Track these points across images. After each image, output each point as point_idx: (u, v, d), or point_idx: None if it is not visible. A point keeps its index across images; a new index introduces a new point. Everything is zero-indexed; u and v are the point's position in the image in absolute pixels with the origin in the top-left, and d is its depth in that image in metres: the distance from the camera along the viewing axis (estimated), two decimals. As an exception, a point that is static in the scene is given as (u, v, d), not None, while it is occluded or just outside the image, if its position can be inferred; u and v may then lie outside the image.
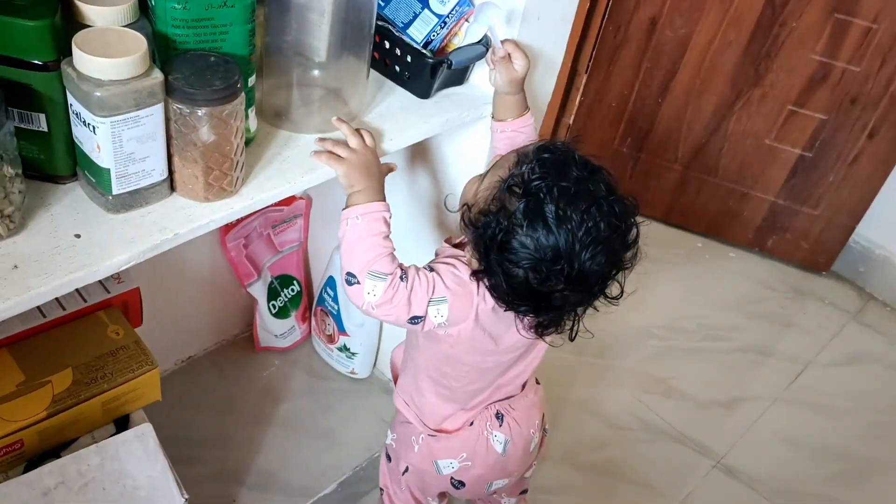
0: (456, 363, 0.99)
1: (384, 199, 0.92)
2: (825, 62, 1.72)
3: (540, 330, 0.93)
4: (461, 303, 0.91)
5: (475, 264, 0.91)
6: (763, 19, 1.70)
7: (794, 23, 1.69)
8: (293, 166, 0.91)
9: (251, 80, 0.88)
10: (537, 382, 1.13)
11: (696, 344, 1.78)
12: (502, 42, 0.99)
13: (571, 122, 2.03)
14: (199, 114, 0.78)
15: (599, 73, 1.91)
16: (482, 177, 0.94)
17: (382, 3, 1.05)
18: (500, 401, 1.06)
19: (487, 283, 0.90)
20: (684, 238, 2.03)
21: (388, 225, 0.91)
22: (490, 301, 0.91)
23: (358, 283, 0.88)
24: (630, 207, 0.87)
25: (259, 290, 1.42)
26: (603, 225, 0.83)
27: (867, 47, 1.67)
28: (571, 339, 0.94)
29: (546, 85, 1.15)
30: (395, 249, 0.90)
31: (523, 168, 0.86)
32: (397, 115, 1.02)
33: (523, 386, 1.08)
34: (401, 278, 0.88)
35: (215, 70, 0.79)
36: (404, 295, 0.88)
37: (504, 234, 0.85)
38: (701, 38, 1.77)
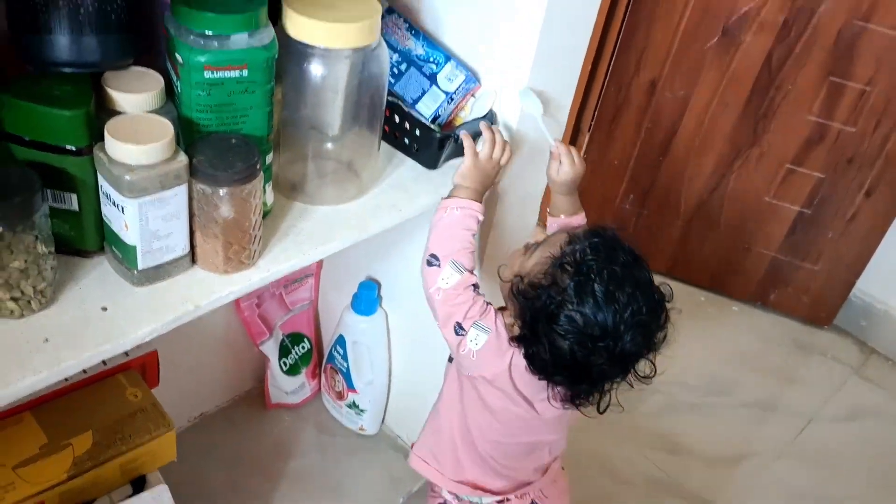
0: (482, 411, 1.02)
1: (481, 202, 1.01)
2: (821, 123, 1.77)
3: (574, 400, 0.97)
4: (495, 348, 0.95)
5: (516, 331, 0.95)
6: (760, 82, 1.76)
7: (789, 85, 1.75)
8: (308, 238, 0.96)
9: (269, 158, 0.93)
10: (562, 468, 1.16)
11: (701, 399, 1.80)
12: (555, 141, 1.06)
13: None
14: (221, 193, 0.83)
15: (602, 133, 1.97)
16: (529, 251, 0.98)
17: (393, 80, 1.10)
18: (528, 484, 1.09)
19: (525, 351, 0.94)
20: (688, 292, 2.06)
21: (479, 225, 1.00)
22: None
23: (438, 266, 0.97)
24: (665, 295, 0.93)
25: (271, 348, 1.45)
26: (645, 309, 0.89)
27: (861, 109, 1.72)
28: (601, 412, 0.98)
29: (553, 136, 1.20)
30: (475, 251, 0.99)
31: (575, 247, 0.92)
32: (408, 186, 1.07)
33: (544, 471, 1.11)
34: (473, 286, 0.96)
35: (236, 152, 0.84)
36: (468, 300, 0.95)
37: (555, 307, 0.90)
38: (699, 99, 1.83)
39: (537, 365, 0.94)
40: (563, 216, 1.10)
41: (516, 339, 0.95)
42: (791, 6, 1.67)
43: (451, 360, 1.09)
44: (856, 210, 1.84)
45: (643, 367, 0.94)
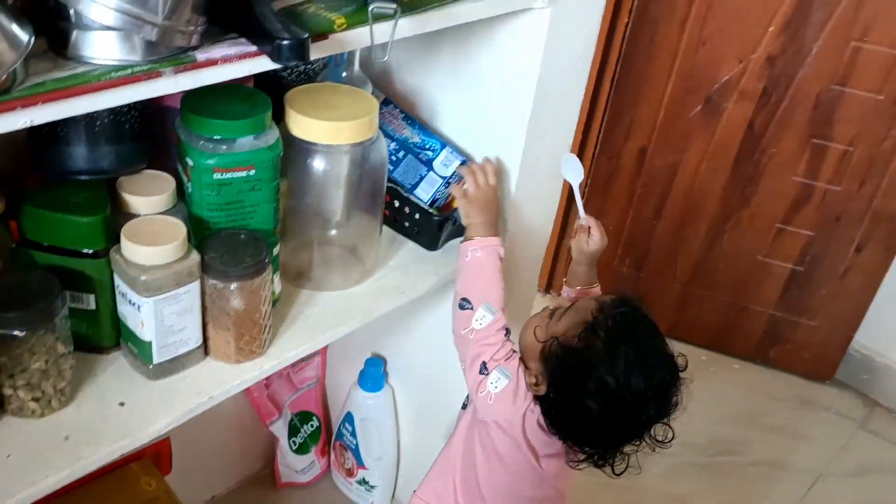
0: (491, 458, 1.04)
1: (498, 234, 1.05)
2: (807, 183, 1.82)
3: (596, 462, 0.99)
4: (513, 394, 0.98)
5: (541, 391, 0.97)
6: (744, 147, 1.82)
7: (773, 149, 1.81)
8: (316, 324, 0.99)
9: (276, 249, 0.97)
10: None
11: (710, 459, 1.81)
12: (586, 215, 1.12)
13: (572, 244, 2.13)
14: (232, 288, 0.87)
15: (596, 199, 2.02)
16: (555, 316, 1.01)
17: (392, 167, 1.15)
18: None
19: (548, 410, 0.97)
20: (689, 352, 2.03)
21: (502, 260, 1.03)
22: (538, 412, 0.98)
23: (471, 308, 1.00)
24: (680, 365, 0.97)
25: (280, 428, 1.47)
26: (668, 375, 0.94)
27: (845, 169, 1.78)
28: (617, 475, 0.99)
29: (548, 211, 1.25)
30: (504, 287, 1.02)
31: (607, 314, 0.95)
32: (409, 268, 1.11)
33: None
34: (505, 329, 0.99)
35: (245, 247, 0.89)
36: (498, 342, 0.99)
37: (588, 370, 0.93)
38: (688, 165, 1.89)
39: (561, 425, 0.97)
40: (578, 288, 1.14)
41: (540, 399, 0.97)
42: (769, 74, 1.74)
43: (464, 406, 1.11)
44: (847, 266, 1.87)
45: (659, 431, 0.97)
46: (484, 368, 0.99)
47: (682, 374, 0.97)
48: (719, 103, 1.80)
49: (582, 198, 1.14)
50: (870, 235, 1.82)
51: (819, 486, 1.76)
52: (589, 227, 1.11)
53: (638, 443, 0.97)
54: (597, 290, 1.14)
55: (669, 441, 0.98)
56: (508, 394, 0.98)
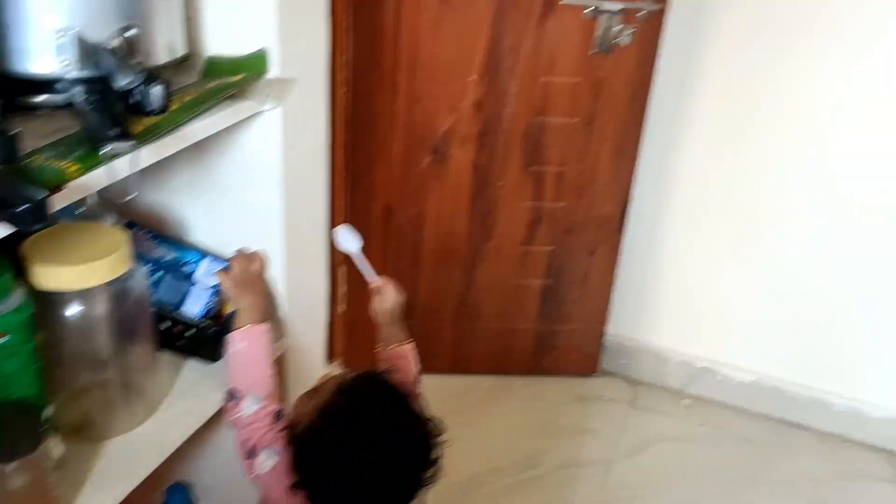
0: None
1: (266, 321, 1.05)
2: (536, 205, 2.03)
3: None
4: (280, 472, 0.98)
5: (294, 476, 0.97)
6: (476, 186, 1.98)
7: (501, 182, 1.99)
8: (110, 476, 0.93)
9: (48, 411, 0.90)
10: None
11: (519, 476, 1.92)
12: (375, 276, 1.18)
13: (345, 309, 2.17)
14: (9, 470, 0.79)
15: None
16: (313, 395, 1.01)
17: (153, 290, 1.11)
18: None
19: (300, 489, 0.96)
20: (473, 382, 2.20)
21: (268, 346, 1.03)
22: None
23: (239, 399, 1.00)
24: (434, 431, 0.99)
25: None
26: (406, 452, 0.96)
27: (563, 187, 2.00)
28: None
29: (320, 289, 1.28)
30: (273, 373, 1.03)
31: (342, 398, 0.97)
32: (197, 388, 1.08)
33: None
34: (275, 412, 1.00)
35: (14, 421, 0.81)
36: (265, 426, 0.99)
37: (323, 455, 0.94)
38: (431, 213, 2.01)
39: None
40: (391, 347, 1.17)
41: (295, 486, 0.97)
42: (480, 118, 1.92)
43: None
44: (586, 270, 2.11)
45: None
46: (252, 453, 1.00)
47: (434, 440, 0.99)
48: (445, 152, 1.94)
49: (367, 261, 1.18)
50: (597, 239, 2.07)
51: (614, 472, 1.95)
52: (380, 287, 1.15)
53: None
54: (410, 347, 1.18)
55: None
56: (277, 471, 0.99)
